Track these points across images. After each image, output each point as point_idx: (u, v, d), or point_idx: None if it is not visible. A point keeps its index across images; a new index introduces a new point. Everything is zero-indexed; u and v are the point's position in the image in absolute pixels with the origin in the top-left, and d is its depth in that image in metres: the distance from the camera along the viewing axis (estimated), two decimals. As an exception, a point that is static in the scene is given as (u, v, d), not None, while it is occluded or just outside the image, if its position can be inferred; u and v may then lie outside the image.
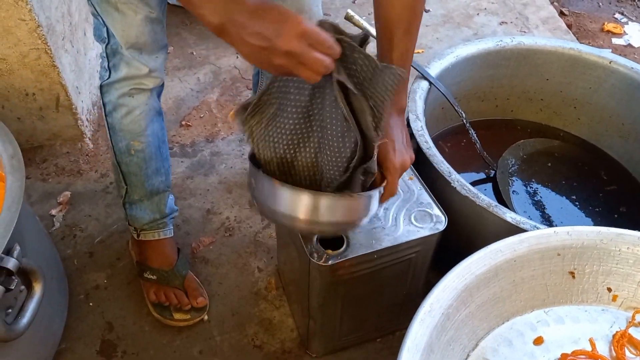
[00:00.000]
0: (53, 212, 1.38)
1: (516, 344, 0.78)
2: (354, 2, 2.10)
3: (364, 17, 1.45)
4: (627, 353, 0.77)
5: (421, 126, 1.11)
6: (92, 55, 1.59)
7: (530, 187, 1.28)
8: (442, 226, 0.93)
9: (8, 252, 0.83)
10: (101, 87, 1.03)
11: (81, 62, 1.50)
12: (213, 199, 1.43)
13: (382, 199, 0.80)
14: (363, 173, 0.74)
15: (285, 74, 0.64)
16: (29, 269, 0.88)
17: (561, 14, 2.18)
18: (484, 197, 0.98)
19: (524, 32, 2.06)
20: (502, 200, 1.23)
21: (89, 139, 1.53)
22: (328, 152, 0.73)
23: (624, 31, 2.12)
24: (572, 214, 1.25)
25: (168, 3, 0.98)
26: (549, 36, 2.02)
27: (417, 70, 1.21)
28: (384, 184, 0.79)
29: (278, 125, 0.73)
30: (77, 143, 1.52)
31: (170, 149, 1.53)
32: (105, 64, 1.00)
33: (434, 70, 1.24)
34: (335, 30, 0.65)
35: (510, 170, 1.30)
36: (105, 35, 0.95)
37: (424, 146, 1.07)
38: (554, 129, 1.45)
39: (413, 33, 0.81)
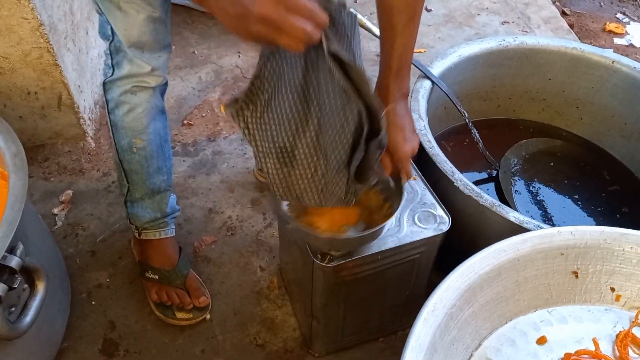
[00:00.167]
0: (55, 210, 1.38)
1: (519, 343, 0.78)
2: (355, 2, 2.10)
3: (365, 17, 1.46)
4: (631, 353, 0.77)
5: (424, 125, 1.11)
6: (94, 54, 1.59)
7: (533, 187, 1.28)
8: (445, 227, 0.92)
9: (11, 250, 0.83)
10: (104, 84, 1.03)
11: (83, 61, 1.50)
12: (215, 198, 1.43)
13: (403, 183, 0.86)
14: (378, 146, 0.72)
15: (266, 42, 0.60)
16: (32, 268, 0.88)
17: (563, 13, 2.18)
18: (487, 197, 0.97)
19: (526, 31, 2.05)
20: (504, 199, 1.23)
21: (91, 137, 1.53)
22: (330, 131, 0.69)
23: (626, 31, 2.12)
24: (574, 213, 1.24)
25: (171, 3, 0.98)
26: (551, 36, 2.02)
27: (420, 70, 1.21)
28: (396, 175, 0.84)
29: (274, 111, 0.69)
30: (79, 142, 1.52)
31: (172, 148, 1.53)
32: (109, 61, 1.00)
33: (436, 69, 1.24)
34: None
35: (512, 170, 1.30)
36: (110, 32, 0.95)
37: (426, 145, 1.06)
38: (557, 129, 1.45)
39: (416, 22, 0.81)
